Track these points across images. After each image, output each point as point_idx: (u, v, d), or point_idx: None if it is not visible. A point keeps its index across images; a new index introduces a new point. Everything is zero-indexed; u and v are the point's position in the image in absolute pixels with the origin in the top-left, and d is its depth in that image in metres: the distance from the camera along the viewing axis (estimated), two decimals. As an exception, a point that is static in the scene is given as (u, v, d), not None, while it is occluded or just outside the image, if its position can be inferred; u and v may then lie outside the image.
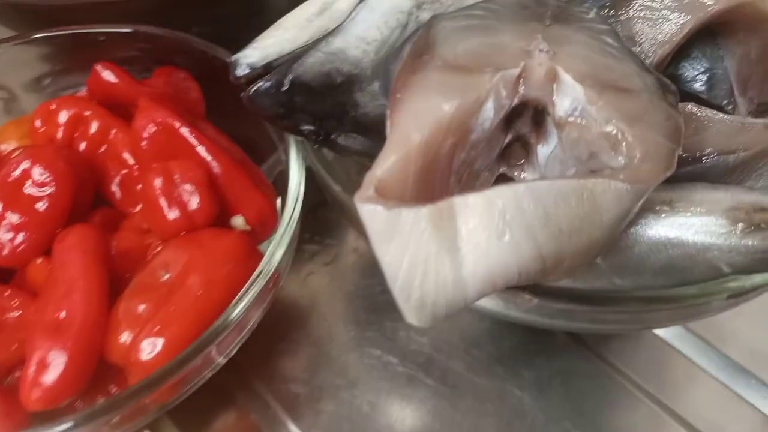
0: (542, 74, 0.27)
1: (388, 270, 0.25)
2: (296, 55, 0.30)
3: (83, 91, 0.41)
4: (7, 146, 0.40)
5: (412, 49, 0.28)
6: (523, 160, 0.31)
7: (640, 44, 0.32)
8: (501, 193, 0.24)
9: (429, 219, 0.24)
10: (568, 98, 0.27)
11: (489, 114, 0.27)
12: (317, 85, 0.30)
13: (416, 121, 0.26)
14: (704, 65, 0.35)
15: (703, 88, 0.35)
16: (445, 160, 0.27)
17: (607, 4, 0.32)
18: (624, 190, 0.25)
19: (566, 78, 0.27)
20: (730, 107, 0.35)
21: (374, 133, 0.32)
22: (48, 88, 0.43)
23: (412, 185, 0.26)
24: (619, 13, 0.33)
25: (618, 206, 0.26)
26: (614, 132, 0.26)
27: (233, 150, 0.37)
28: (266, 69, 0.29)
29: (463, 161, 0.28)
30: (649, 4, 0.32)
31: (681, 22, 0.31)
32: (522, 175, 0.31)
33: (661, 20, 0.32)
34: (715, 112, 0.31)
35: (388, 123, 0.27)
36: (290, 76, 0.29)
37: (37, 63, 0.43)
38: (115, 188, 0.36)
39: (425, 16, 0.34)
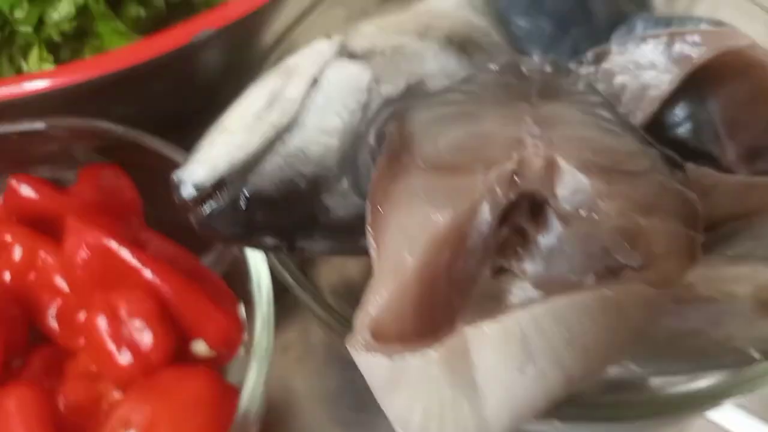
0: (540, 166, 0.24)
1: (397, 422, 0.21)
2: (250, 164, 0.25)
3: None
4: None
5: (388, 150, 0.24)
6: (520, 250, 0.28)
7: (627, 101, 0.29)
8: (518, 318, 0.21)
9: (440, 363, 0.21)
10: (572, 190, 0.24)
11: (485, 217, 0.24)
12: (279, 195, 0.26)
13: (407, 241, 0.22)
14: (687, 110, 0.33)
15: (687, 133, 0.33)
16: (444, 277, 0.23)
17: (589, 59, 0.29)
18: (650, 294, 0.22)
19: (567, 168, 0.24)
20: (717, 151, 0.33)
21: (346, 233, 0.28)
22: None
23: (411, 317, 0.22)
24: (602, 67, 0.30)
25: (645, 311, 0.23)
26: (629, 226, 0.23)
27: (180, 257, 0.33)
28: (217, 186, 0.25)
29: (460, 270, 0.24)
30: (634, 58, 0.29)
31: (668, 76, 0.29)
32: (522, 267, 0.27)
33: (647, 75, 0.29)
34: (718, 172, 0.28)
35: (371, 242, 0.23)
36: (247, 191, 0.25)
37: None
38: (51, 321, 0.31)
39: (386, 89, 0.30)
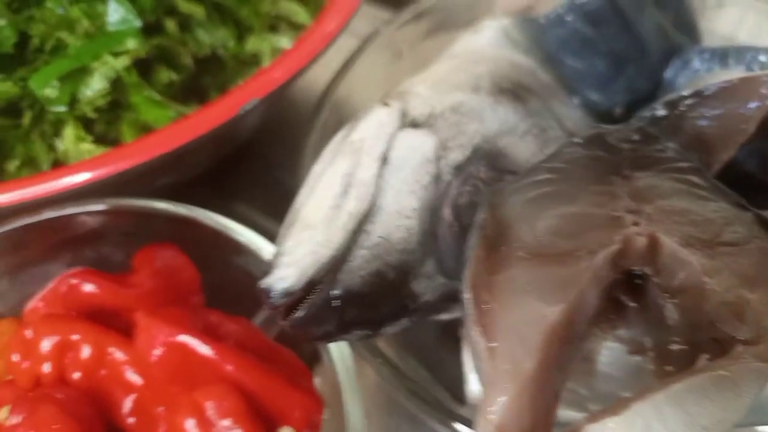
0: (643, 245, 0.23)
1: None
2: (337, 262, 0.25)
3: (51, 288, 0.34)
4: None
5: (483, 239, 0.24)
6: (613, 317, 0.27)
7: (702, 151, 0.29)
8: (639, 409, 0.21)
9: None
10: (676, 266, 0.23)
11: (592, 301, 0.23)
12: (369, 290, 0.25)
13: (522, 341, 0.22)
14: (753, 144, 0.32)
15: (755, 167, 0.32)
16: (555, 367, 0.23)
17: (661, 113, 0.29)
18: (764, 370, 0.22)
19: (670, 244, 0.23)
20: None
21: (431, 312, 0.28)
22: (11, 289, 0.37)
23: (528, 413, 0.22)
24: (676, 118, 0.29)
25: (758, 386, 0.23)
26: (736, 300, 0.23)
27: (248, 335, 0.32)
28: (307, 289, 0.24)
29: (567, 355, 0.24)
30: (708, 111, 0.28)
31: (745, 123, 0.28)
32: (617, 333, 0.27)
33: (724, 122, 0.28)
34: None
35: (479, 340, 0.23)
36: (338, 291, 0.24)
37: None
38: (127, 416, 0.30)
39: (454, 156, 0.29)
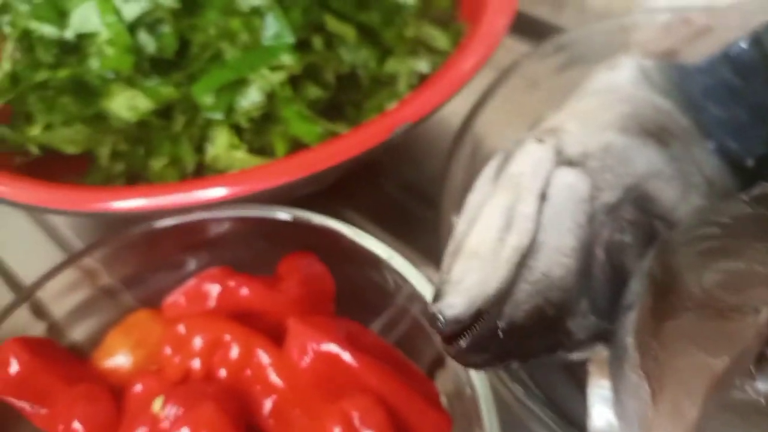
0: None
1: None
2: (503, 294, 0.26)
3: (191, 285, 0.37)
4: (120, 362, 0.36)
5: (652, 288, 0.24)
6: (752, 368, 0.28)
7: None
8: None
9: None
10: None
11: (752, 355, 0.24)
12: (530, 324, 0.26)
13: (686, 390, 0.23)
14: None
15: None
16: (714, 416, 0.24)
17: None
18: None
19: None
20: None
21: (578, 348, 0.29)
22: (145, 282, 0.39)
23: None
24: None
25: None
26: None
27: (382, 348, 0.34)
28: (474, 318, 0.25)
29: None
30: None
31: None
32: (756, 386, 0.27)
33: None
34: None
35: (642, 384, 0.24)
36: (503, 322, 0.26)
37: (132, 256, 0.39)
38: (266, 417, 0.32)
39: (606, 196, 0.30)
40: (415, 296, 0.35)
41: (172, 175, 0.42)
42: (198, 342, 0.32)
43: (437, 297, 0.26)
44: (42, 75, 0.44)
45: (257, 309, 0.34)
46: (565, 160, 0.31)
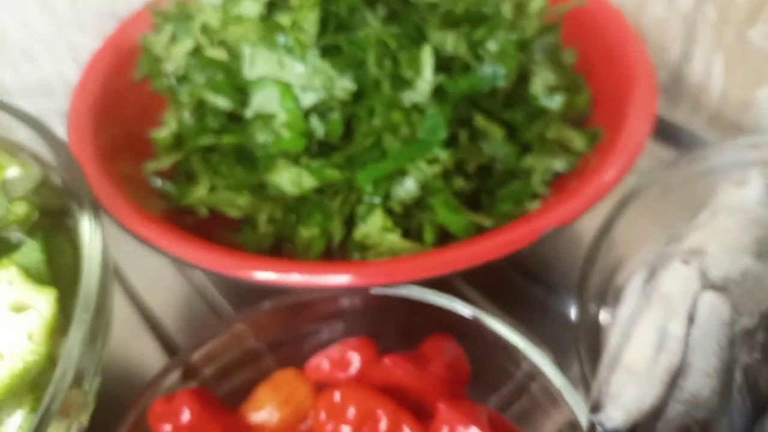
0: None
1: None
2: (656, 411, 0.28)
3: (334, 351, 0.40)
4: (267, 416, 0.40)
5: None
6: None
7: None
8: None
9: None
10: None
11: None
12: (679, 441, 0.28)
13: None
14: None
15: None
16: None
17: None
18: None
19: None
20: None
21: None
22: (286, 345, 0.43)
23: None
24: None
25: None
26: None
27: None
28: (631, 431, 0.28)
29: None
30: None
31: None
32: None
33: None
34: None
35: None
36: (655, 438, 0.28)
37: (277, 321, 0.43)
38: (406, 489, 0.35)
39: (745, 321, 0.32)
40: (535, 374, 0.37)
41: (319, 244, 0.46)
42: (351, 411, 0.36)
43: (597, 408, 0.29)
44: (208, 139, 0.49)
45: (404, 385, 0.37)
46: (709, 284, 0.33)
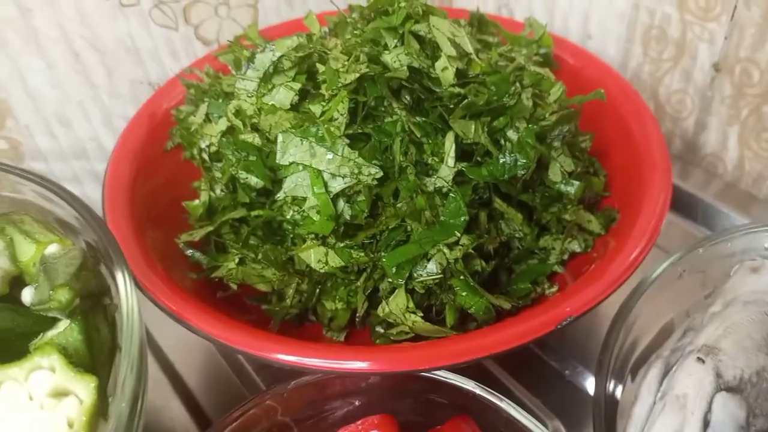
0: None
1: None
2: None
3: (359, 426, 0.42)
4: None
5: None
6: None
7: None
8: None
9: None
10: None
11: None
12: None
13: None
14: None
15: None
16: None
17: None
18: None
19: None
20: None
21: None
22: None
23: None
24: None
25: None
26: None
27: None
28: None
29: None
30: None
31: None
32: None
33: None
34: None
35: None
36: None
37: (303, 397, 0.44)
38: None
39: (760, 424, 0.33)
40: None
41: (343, 317, 0.48)
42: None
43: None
44: (239, 213, 0.51)
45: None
46: (724, 385, 0.34)
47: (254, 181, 0.49)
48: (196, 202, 0.54)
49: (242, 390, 0.55)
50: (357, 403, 0.47)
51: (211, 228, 0.51)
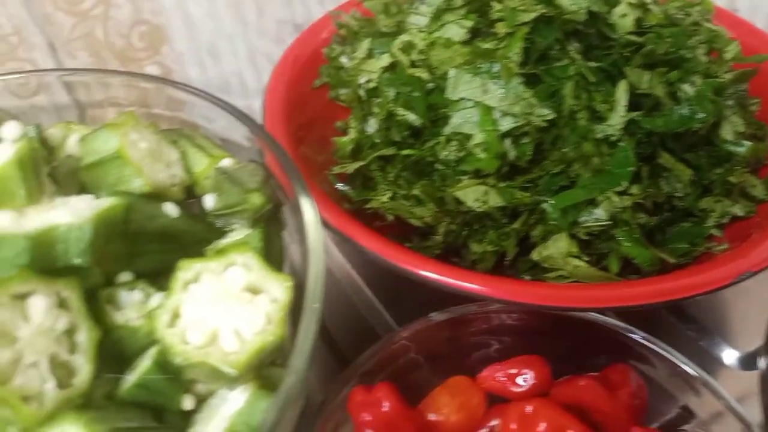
0: None
1: None
2: None
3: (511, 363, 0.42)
4: (444, 418, 0.42)
5: None
6: None
7: None
8: None
9: None
10: None
11: None
12: None
13: None
14: None
15: None
16: None
17: None
18: None
19: None
20: None
21: None
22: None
23: None
24: None
25: None
26: None
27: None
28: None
29: None
30: None
31: None
32: None
33: None
34: None
35: None
36: None
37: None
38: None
39: None
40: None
41: (489, 260, 0.48)
42: (542, 426, 0.37)
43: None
44: (390, 150, 0.51)
45: (590, 407, 0.38)
46: None
47: (412, 118, 0.49)
48: (345, 138, 0.55)
49: (373, 327, 0.56)
50: (496, 344, 0.47)
51: (363, 163, 0.52)
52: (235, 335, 0.34)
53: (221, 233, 0.42)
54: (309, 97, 0.59)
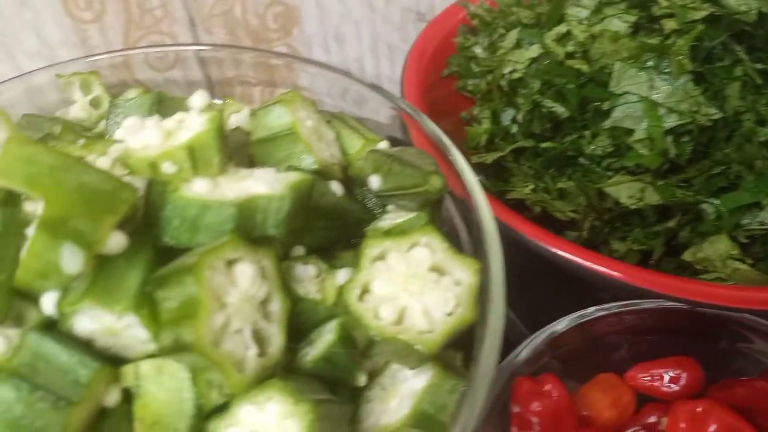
0: None
1: None
2: None
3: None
4: (595, 413, 0.41)
5: None
6: None
7: None
8: None
9: None
10: None
11: None
12: None
13: None
14: None
15: None
16: None
17: None
18: None
19: None
20: None
21: None
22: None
23: None
24: None
25: None
26: None
27: None
28: None
29: None
30: None
31: None
32: None
33: None
34: None
35: None
36: None
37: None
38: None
39: None
40: None
41: (633, 258, 0.48)
42: (713, 428, 0.37)
43: None
44: (529, 142, 0.51)
45: (762, 408, 0.38)
46: None
47: (561, 110, 0.49)
48: (479, 128, 0.55)
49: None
50: (638, 344, 0.47)
51: (501, 153, 0.52)
52: (424, 315, 0.34)
53: (375, 215, 0.43)
54: (436, 86, 0.59)
